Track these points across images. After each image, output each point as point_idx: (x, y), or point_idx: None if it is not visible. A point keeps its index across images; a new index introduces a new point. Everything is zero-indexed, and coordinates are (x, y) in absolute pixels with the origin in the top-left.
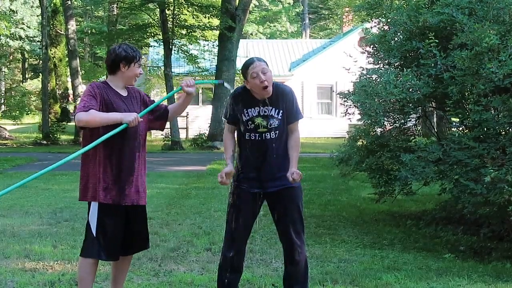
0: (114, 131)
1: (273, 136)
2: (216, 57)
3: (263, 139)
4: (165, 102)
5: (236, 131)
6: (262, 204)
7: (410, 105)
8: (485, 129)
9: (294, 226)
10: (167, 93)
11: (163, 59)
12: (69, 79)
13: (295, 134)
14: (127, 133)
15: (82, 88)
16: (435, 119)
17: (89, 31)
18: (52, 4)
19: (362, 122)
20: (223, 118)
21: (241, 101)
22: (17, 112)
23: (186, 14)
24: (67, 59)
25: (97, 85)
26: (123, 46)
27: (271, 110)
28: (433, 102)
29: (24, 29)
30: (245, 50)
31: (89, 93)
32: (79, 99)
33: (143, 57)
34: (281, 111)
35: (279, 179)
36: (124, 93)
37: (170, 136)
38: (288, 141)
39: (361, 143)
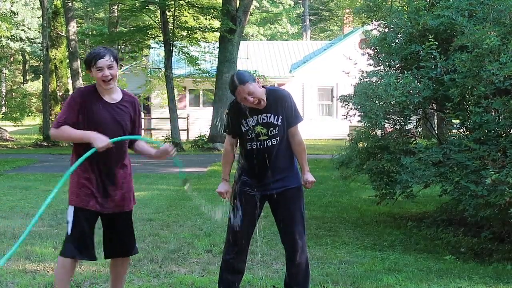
0: (85, 155)
1: (274, 142)
2: (216, 59)
3: (264, 146)
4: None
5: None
6: (264, 205)
7: (411, 107)
8: (486, 131)
9: (297, 227)
10: (167, 94)
11: (163, 60)
12: (70, 81)
13: (297, 138)
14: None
15: None
16: (435, 121)
17: (90, 33)
18: (53, 6)
19: (363, 123)
20: (223, 132)
21: (238, 113)
22: (18, 113)
23: (186, 16)
24: (68, 60)
25: (81, 92)
26: (93, 49)
27: (270, 117)
28: (433, 104)
29: (25, 31)
30: (245, 52)
31: (69, 103)
32: None
33: (108, 59)
34: (280, 117)
35: (281, 180)
36: (111, 100)
37: (170, 138)
38: (293, 147)
39: (361, 145)
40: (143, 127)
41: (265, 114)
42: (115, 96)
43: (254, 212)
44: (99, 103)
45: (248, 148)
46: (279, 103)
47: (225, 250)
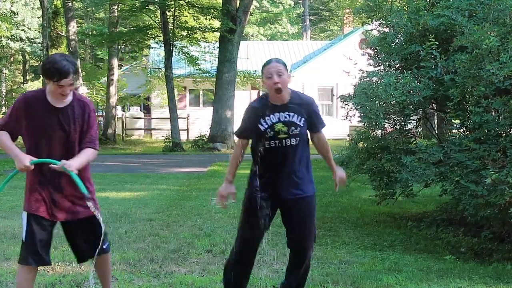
0: (9, 175)
1: (293, 142)
2: (216, 59)
3: (283, 145)
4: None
5: (251, 142)
6: (276, 212)
7: (411, 107)
8: (486, 130)
9: (309, 236)
10: (167, 94)
11: (163, 60)
12: None
13: (323, 139)
14: (55, 149)
15: (83, 90)
16: (435, 121)
17: (90, 33)
18: (53, 6)
19: (363, 124)
20: (235, 136)
21: (259, 112)
22: None
23: (186, 16)
24: None
25: (25, 97)
26: (54, 58)
27: (293, 116)
28: (433, 104)
29: (25, 31)
30: (245, 52)
31: (12, 109)
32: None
33: (71, 78)
34: (303, 119)
35: (297, 187)
36: (59, 104)
37: (170, 138)
38: (320, 147)
39: (361, 145)
40: (143, 127)
41: (287, 113)
42: (65, 100)
43: (267, 217)
44: (44, 109)
45: (266, 147)
46: (303, 106)
47: (233, 254)
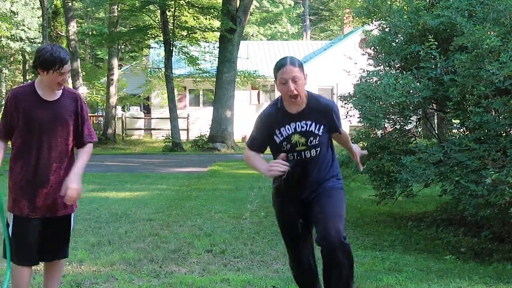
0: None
1: (313, 154)
2: (216, 59)
3: (302, 158)
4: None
5: (271, 152)
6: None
7: (411, 107)
8: (486, 130)
9: (336, 220)
10: (167, 94)
11: (163, 60)
12: (70, 81)
13: (344, 134)
14: (43, 144)
15: (83, 90)
16: (435, 121)
17: (90, 33)
18: (53, 6)
19: (362, 124)
20: (247, 146)
21: (273, 122)
22: None
23: (186, 16)
24: None
25: (14, 94)
26: (48, 48)
27: (311, 125)
28: (433, 104)
29: (25, 31)
30: (245, 52)
31: (5, 110)
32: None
33: (69, 64)
34: (322, 126)
35: (319, 186)
36: (50, 97)
37: (170, 138)
38: (342, 140)
39: (361, 145)
40: (143, 127)
41: (304, 122)
42: (56, 93)
43: (302, 229)
44: (36, 102)
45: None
46: (322, 113)
47: (293, 274)
